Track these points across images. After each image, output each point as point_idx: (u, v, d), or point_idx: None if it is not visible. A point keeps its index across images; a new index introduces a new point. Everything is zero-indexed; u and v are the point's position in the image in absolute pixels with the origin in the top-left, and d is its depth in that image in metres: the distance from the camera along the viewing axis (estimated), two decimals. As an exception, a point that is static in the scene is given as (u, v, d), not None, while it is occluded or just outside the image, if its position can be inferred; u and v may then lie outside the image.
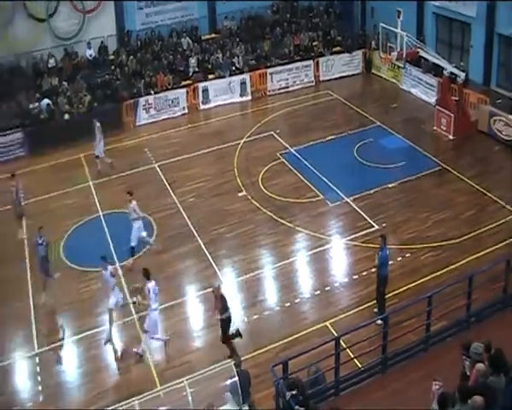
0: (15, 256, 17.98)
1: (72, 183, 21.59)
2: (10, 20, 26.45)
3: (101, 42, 28.50)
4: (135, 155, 23.37)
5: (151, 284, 14.13)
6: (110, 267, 14.96)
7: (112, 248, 17.80)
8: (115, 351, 14.69)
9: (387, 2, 26.51)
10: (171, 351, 14.23)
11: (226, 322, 13.94)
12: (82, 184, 21.48)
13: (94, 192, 20.94)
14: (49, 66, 27.69)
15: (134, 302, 15.03)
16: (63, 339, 15.16)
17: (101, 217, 19.39)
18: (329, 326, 14.65)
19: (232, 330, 14.21)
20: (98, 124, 22.07)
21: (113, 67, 27.99)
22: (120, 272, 16.90)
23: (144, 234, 17.66)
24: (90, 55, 28.21)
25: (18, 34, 26.73)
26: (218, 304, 13.88)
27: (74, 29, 28.10)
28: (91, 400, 13.37)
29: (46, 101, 25.64)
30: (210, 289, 14.77)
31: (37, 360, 14.54)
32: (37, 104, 25.60)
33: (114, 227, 18.77)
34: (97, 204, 20.14)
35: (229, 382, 12.07)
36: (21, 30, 26.83)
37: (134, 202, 17.30)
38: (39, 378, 14.06)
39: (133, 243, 17.33)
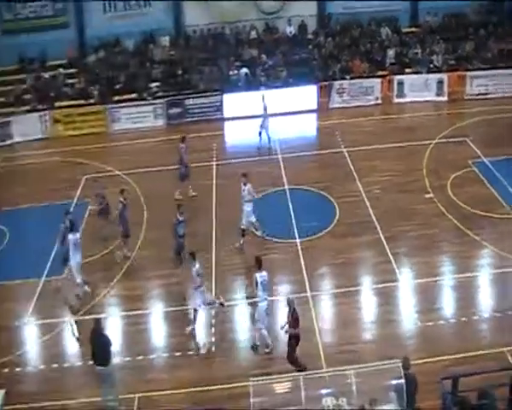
0: (206, 211, 19.14)
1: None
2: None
3: (302, 21, 28.98)
4: (325, 136, 23.71)
5: (260, 274, 13.95)
6: (197, 266, 14.53)
7: (293, 223, 18.25)
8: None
9: None
10: (340, 337, 14.33)
11: (295, 339, 13.34)
12: (271, 156, 22.25)
13: (282, 165, 21.57)
14: (251, 37, 28.83)
15: (221, 304, 14.87)
16: (246, 297, 15.72)
17: (287, 191, 19.91)
18: (507, 354, 13.75)
19: None
20: (266, 105, 22.47)
21: (310, 47, 28.37)
22: (300, 248, 17.29)
23: (253, 219, 17.45)
24: (290, 33, 28.84)
25: (226, 4, 28.03)
26: (290, 317, 13.26)
27: (277, 5, 28.83)
28: (259, 362, 13.83)
29: (245, 70, 26.76)
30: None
31: (212, 313, 15.26)
32: (236, 72, 26.79)
33: (298, 203, 19.21)
34: (284, 177, 20.69)
35: (395, 382, 11.86)
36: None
37: (249, 185, 17.26)
38: (213, 330, 14.84)
39: (243, 226, 17.35)
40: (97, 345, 12.68)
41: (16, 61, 28.15)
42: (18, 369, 14.08)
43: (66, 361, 14.30)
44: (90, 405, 12.86)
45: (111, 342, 12.92)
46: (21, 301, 16.29)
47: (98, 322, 13.02)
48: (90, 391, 13.07)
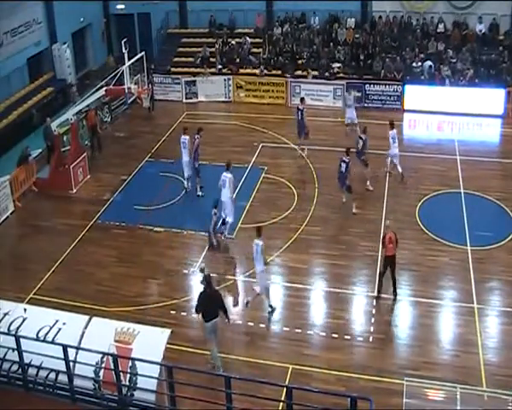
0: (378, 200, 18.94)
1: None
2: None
3: (493, 19, 27.50)
4: (510, 145, 22.30)
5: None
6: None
7: (466, 229, 17.43)
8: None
9: None
10: (506, 359, 13.48)
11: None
12: (450, 156, 21.48)
13: (459, 167, 20.71)
14: (438, 30, 27.88)
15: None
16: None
17: (462, 194, 19.12)
18: None
19: None
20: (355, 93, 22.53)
21: (501, 49, 26.83)
22: (470, 256, 16.49)
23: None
24: (480, 31, 27.56)
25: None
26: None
27: (469, 0, 27.47)
28: (415, 364, 13.34)
29: (429, 63, 25.98)
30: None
31: (374, 302, 15.12)
32: (420, 64, 26.05)
33: (472, 209, 18.35)
34: (460, 180, 19.88)
35: None
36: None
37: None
38: (373, 320, 14.63)
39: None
40: (212, 300, 12.82)
41: (206, 25, 29.53)
42: (183, 313, 14.88)
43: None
44: (244, 364, 13.21)
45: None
46: (191, 251, 17.23)
47: (208, 278, 13.01)
48: (245, 351, 13.45)
